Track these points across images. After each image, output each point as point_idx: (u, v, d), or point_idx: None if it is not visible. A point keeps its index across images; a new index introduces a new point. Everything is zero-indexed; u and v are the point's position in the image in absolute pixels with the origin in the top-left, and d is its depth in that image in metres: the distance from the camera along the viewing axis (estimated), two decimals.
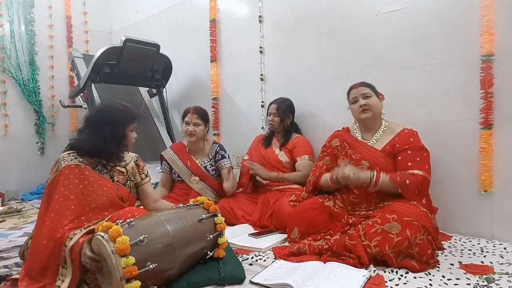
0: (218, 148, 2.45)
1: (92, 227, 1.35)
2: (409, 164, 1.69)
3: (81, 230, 1.32)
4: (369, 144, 1.84)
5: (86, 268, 1.24)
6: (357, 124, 1.96)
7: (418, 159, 1.70)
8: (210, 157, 2.43)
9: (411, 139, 1.75)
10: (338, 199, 1.88)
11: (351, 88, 1.90)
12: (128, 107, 1.64)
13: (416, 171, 1.66)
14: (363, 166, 1.79)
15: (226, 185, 2.32)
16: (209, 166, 2.41)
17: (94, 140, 1.51)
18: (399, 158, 1.73)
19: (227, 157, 2.43)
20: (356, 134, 1.93)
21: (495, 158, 1.85)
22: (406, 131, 1.80)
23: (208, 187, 2.37)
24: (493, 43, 1.83)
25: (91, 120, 1.57)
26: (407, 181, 1.62)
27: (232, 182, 2.33)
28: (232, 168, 2.45)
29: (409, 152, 1.72)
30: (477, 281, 1.33)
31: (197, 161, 2.41)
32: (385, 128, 1.86)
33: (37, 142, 3.76)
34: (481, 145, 1.87)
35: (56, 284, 1.24)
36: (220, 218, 1.46)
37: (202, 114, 2.39)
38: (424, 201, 1.65)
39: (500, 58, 1.82)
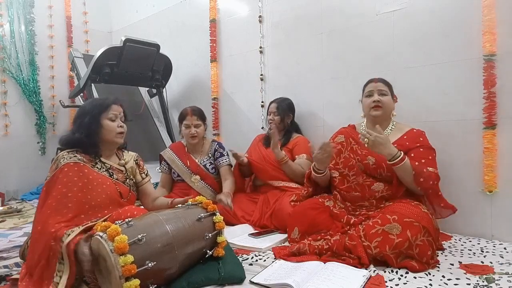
0: (217, 146, 2.45)
1: (90, 225, 1.35)
2: (423, 161, 1.69)
3: (79, 228, 1.32)
4: None
5: (82, 266, 1.24)
6: (365, 121, 1.95)
7: (430, 157, 1.72)
8: (209, 155, 2.43)
9: (421, 139, 1.77)
10: (338, 199, 1.88)
11: (369, 81, 1.90)
12: (103, 98, 1.65)
13: (430, 169, 1.66)
14: (368, 161, 1.79)
15: (227, 188, 2.28)
16: (209, 164, 2.41)
17: (70, 134, 1.55)
18: (412, 155, 1.72)
19: (225, 155, 2.44)
20: (363, 131, 1.92)
21: (497, 158, 1.85)
22: (415, 130, 1.82)
23: (208, 186, 2.37)
24: (495, 43, 1.83)
25: (73, 118, 1.62)
26: (425, 170, 1.63)
27: (230, 185, 2.32)
28: (231, 166, 2.45)
29: (422, 149, 1.73)
30: (477, 281, 1.33)
31: (197, 160, 2.41)
32: (393, 127, 1.87)
33: (38, 142, 3.77)
34: (485, 145, 1.86)
35: (54, 280, 1.24)
36: (218, 217, 1.46)
37: (200, 114, 2.39)
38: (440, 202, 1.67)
39: (502, 57, 1.82)
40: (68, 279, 1.23)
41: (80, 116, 1.58)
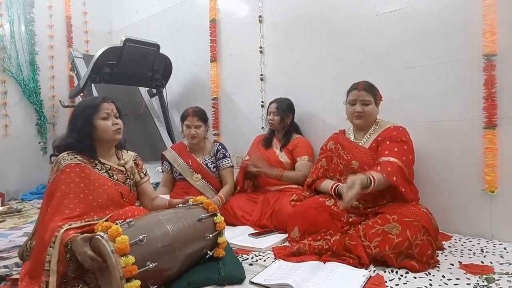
0: (220, 147, 2.46)
1: (91, 222, 1.35)
2: (386, 152, 1.69)
3: (79, 222, 1.32)
4: (360, 144, 1.87)
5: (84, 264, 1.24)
6: (352, 125, 1.98)
7: (396, 149, 1.69)
8: (211, 154, 2.44)
9: (394, 133, 1.76)
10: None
11: (352, 88, 1.89)
12: (91, 98, 1.64)
13: (391, 159, 1.64)
14: (354, 166, 1.81)
15: (223, 192, 2.31)
16: (210, 163, 2.42)
17: (63, 138, 1.55)
18: (379, 149, 1.75)
19: (228, 156, 2.45)
20: (350, 136, 1.96)
21: (498, 158, 1.85)
22: (392, 127, 1.81)
23: (209, 185, 2.37)
24: (496, 43, 1.83)
25: (68, 122, 1.61)
26: (389, 169, 1.58)
27: (227, 189, 2.34)
28: (233, 168, 2.46)
29: (388, 143, 1.73)
30: (477, 281, 1.33)
31: (198, 159, 2.42)
32: (376, 127, 1.88)
33: (39, 142, 3.77)
34: (487, 145, 1.86)
35: (45, 267, 1.23)
36: (219, 218, 1.46)
37: (201, 116, 2.39)
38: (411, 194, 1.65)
39: (502, 57, 1.82)
40: (59, 262, 1.22)
41: (72, 120, 1.56)
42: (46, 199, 1.43)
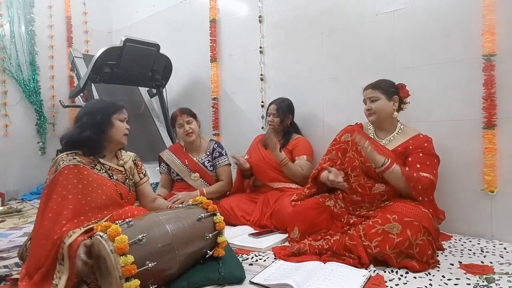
0: (216, 145, 2.47)
1: (91, 226, 1.35)
2: (418, 166, 1.68)
3: (80, 229, 1.32)
4: (382, 143, 1.84)
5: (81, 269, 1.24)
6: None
7: (428, 163, 1.70)
8: (208, 153, 2.45)
9: (425, 144, 1.75)
10: (339, 198, 1.89)
11: (364, 89, 1.90)
12: (111, 100, 1.69)
13: (424, 174, 1.65)
14: (371, 164, 1.79)
15: (209, 187, 2.33)
16: (207, 162, 2.43)
17: (74, 130, 1.55)
18: (409, 159, 1.72)
19: (224, 154, 2.46)
20: (369, 132, 1.93)
21: (497, 158, 1.85)
22: (421, 136, 1.80)
23: (207, 185, 2.38)
24: (495, 43, 1.83)
25: (77, 116, 1.62)
26: (415, 174, 1.63)
27: (217, 186, 2.36)
28: (230, 165, 2.46)
29: (421, 154, 1.72)
30: (477, 281, 1.33)
31: (195, 159, 2.42)
32: (399, 131, 1.86)
33: (38, 142, 3.77)
34: (486, 145, 1.85)
35: (54, 282, 1.24)
36: (219, 217, 1.46)
37: (189, 112, 2.43)
38: (429, 208, 1.64)
39: (502, 57, 1.82)
40: (68, 279, 1.22)
41: (88, 115, 1.57)
42: (44, 200, 1.43)
